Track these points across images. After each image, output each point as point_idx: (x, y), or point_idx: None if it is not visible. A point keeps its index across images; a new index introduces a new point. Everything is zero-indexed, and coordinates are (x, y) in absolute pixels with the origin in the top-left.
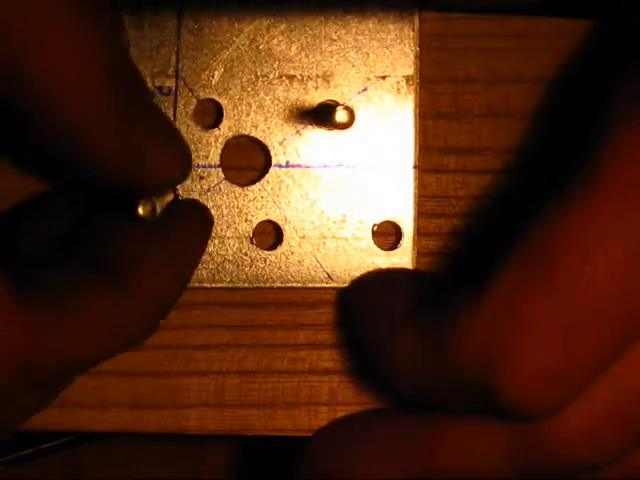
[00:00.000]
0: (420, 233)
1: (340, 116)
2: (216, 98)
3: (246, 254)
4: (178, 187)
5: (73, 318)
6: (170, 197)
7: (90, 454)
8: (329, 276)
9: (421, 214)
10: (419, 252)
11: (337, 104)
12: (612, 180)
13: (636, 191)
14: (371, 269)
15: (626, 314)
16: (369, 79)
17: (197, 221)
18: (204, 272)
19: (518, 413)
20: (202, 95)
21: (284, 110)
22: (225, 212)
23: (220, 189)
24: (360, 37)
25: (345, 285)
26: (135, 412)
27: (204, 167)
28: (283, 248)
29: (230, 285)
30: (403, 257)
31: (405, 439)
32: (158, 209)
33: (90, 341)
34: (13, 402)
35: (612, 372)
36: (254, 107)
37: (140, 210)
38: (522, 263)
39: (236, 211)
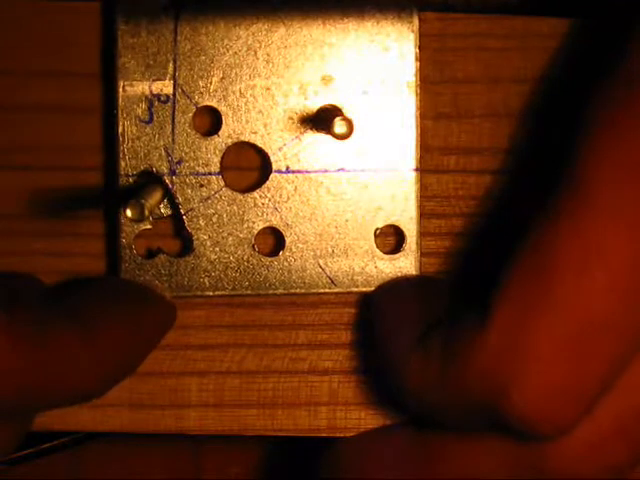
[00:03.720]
0: (421, 233)
1: (339, 127)
2: (214, 105)
3: (248, 261)
4: (175, 192)
5: (58, 348)
6: (159, 195)
7: (90, 454)
8: (332, 281)
9: (421, 214)
10: (420, 252)
11: (337, 109)
12: (596, 190)
13: (621, 201)
14: (374, 273)
15: (629, 323)
16: (369, 82)
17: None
18: (206, 280)
19: (532, 432)
20: (200, 102)
21: (283, 115)
22: (226, 219)
23: (220, 196)
24: (359, 40)
25: (349, 290)
26: (135, 412)
27: (204, 175)
28: (285, 254)
29: (233, 292)
30: (406, 260)
31: (408, 457)
32: (147, 211)
33: (59, 377)
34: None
35: (615, 386)
36: (253, 113)
37: (128, 212)
38: (519, 283)
39: (237, 218)
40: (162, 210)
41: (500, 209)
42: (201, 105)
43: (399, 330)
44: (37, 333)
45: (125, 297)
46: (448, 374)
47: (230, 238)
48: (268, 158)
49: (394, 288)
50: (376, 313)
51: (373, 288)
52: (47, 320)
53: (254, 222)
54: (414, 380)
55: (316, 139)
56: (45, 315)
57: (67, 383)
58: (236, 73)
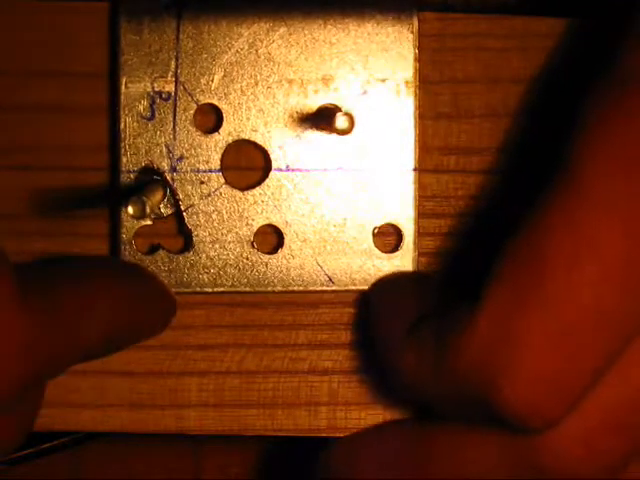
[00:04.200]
0: (420, 233)
1: (340, 122)
2: (216, 103)
3: (247, 258)
4: (176, 188)
5: (62, 312)
6: (160, 193)
7: (90, 454)
8: (330, 279)
9: (421, 214)
10: (419, 252)
11: (337, 108)
12: (589, 184)
13: (613, 193)
14: (372, 272)
15: (620, 316)
16: (368, 82)
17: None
18: (205, 277)
19: (521, 424)
20: (202, 100)
21: (284, 114)
22: (226, 216)
23: (220, 194)
24: (359, 40)
25: (346, 288)
26: (135, 412)
27: (204, 172)
28: (284, 252)
29: (232, 289)
30: (404, 259)
31: (402, 456)
32: (148, 208)
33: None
34: (27, 397)
35: (604, 379)
36: (254, 111)
37: (130, 209)
38: (510, 274)
39: (237, 215)
40: (162, 210)
41: (500, 209)
42: (202, 103)
43: (393, 323)
44: (46, 302)
45: (125, 269)
46: (440, 365)
47: (229, 235)
48: (268, 156)
49: (389, 283)
50: (371, 307)
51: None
52: (53, 285)
53: (253, 220)
54: (408, 372)
55: (316, 138)
56: (51, 280)
57: (73, 347)
58: (237, 71)
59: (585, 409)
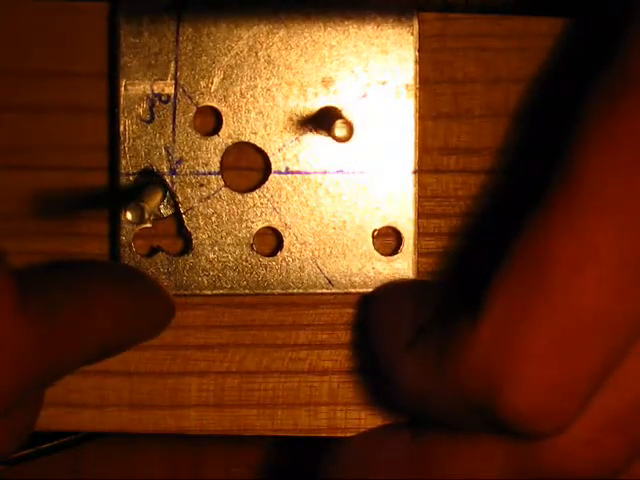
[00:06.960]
0: (420, 233)
1: (339, 131)
2: (215, 105)
3: (246, 261)
4: (175, 191)
5: (62, 323)
6: (159, 197)
7: (90, 454)
8: (330, 282)
9: (421, 214)
10: (419, 252)
11: (337, 110)
12: (588, 188)
13: (612, 197)
14: (372, 274)
15: (621, 318)
16: (369, 85)
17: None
18: (205, 279)
19: (528, 431)
20: (201, 102)
21: (283, 116)
22: (225, 219)
23: (220, 196)
24: (359, 43)
25: (346, 291)
26: (135, 412)
27: (204, 174)
28: (283, 254)
29: (231, 292)
30: (404, 262)
31: (408, 458)
32: (146, 213)
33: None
34: (26, 402)
35: (608, 381)
36: (253, 114)
37: (129, 215)
38: (511, 282)
39: (236, 218)
40: (162, 211)
41: (500, 209)
42: (202, 105)
43: (394, 332)
44: (46, 313)
45: (125, 276)
46: (443, 376)
47: (229, 238)
48: (268, 159)
49: (389, 291)
50: (371, 316)
51: (370, 289)
52: (52, 295)
53: (253, 222)
54: (409, 382)
55: (315, 140)
56: (50, 290)
57: (72, 355)
58: (237, 74)
59: (589, 410)
